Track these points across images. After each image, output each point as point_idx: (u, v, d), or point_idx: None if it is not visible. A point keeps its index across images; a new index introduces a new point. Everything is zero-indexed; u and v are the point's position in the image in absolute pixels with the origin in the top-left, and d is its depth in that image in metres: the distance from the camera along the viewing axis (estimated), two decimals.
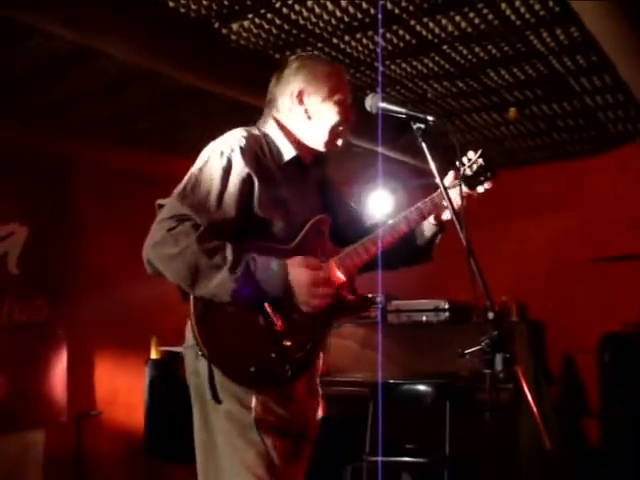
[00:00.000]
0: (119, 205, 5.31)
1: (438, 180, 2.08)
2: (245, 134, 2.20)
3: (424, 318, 5.10)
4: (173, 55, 3.43)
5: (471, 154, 2.39)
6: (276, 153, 2.24)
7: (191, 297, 2.04)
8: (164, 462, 4.98)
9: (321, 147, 2.31)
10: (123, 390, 5.33)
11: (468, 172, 2.36)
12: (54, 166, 5.00)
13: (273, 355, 2.06)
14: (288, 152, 2.25)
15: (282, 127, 2.29)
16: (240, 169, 2.10)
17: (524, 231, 5.79)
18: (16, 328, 4.69)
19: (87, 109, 4.51)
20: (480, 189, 2.39)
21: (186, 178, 2.11)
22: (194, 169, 2.13)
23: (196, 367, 2.13)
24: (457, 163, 2.35)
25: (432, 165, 2.04)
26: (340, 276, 2.18)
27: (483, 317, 1.84)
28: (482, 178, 2.37)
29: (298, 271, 2.06)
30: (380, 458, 4.39)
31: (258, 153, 2.18)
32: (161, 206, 2.09)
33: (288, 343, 2.07)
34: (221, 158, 2.10)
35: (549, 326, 5.28)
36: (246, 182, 2.10)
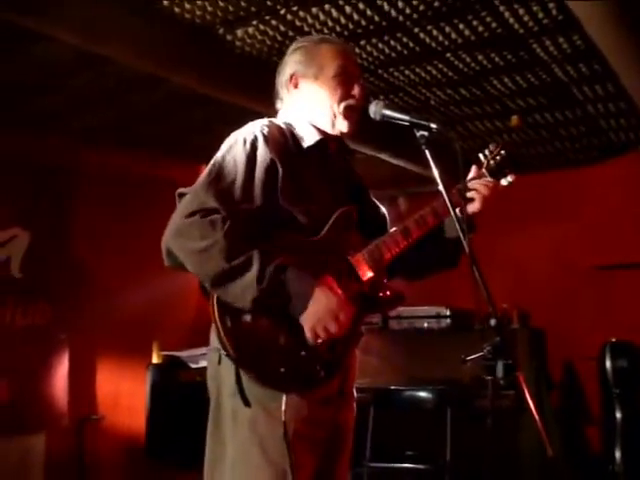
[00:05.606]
0: (121, 210, 5.31)
1: (441, 187, 2.01)
2: (267, 122, 2.13)
3: (425, 325, 5.10)
4: (177, 61, 3.44)
5: (492, 146, 2.33)
6: (299, 139, 2.15)
7: (214, 295, 1.93)
8: (165, 467, 4.97)
9: (332, 129, 2.19)
10: (125, 394, 5.32)
11: (492, 163, 2.30)
12: (56, 170, 5.00)
13: (303, 353, 1.94)
14: (312, 137, 2.16)
15: (294, 115, 2.21)
16: (264, 156, 2.01)
17: (526, 239, 5.79)
18: (18, 332, 4.68)
19: (90, 114, 4.52)
20: (504, 182, 2.31)
21: (209, 167, 2.01)
22: (217, 157, 2.03)
23: (217, 372, 2.02)
24: (480, 155, 2.31)
25: (435, 172, 1.99)
26: (368, 271, 2.09)
27: (485, 324, 1.84)
28: (506, 170, 2.30)
29: (323, 296, 1.91)
30: (381, 464, 4.39)
31: (281, 140, 2.09)
32: (181, 195, 1.99)
33: (319, 340, 1.95)
34: (244, 146, 2.02)
35: (550, 333, 5.27)
36: (270, 169, 2.01)
